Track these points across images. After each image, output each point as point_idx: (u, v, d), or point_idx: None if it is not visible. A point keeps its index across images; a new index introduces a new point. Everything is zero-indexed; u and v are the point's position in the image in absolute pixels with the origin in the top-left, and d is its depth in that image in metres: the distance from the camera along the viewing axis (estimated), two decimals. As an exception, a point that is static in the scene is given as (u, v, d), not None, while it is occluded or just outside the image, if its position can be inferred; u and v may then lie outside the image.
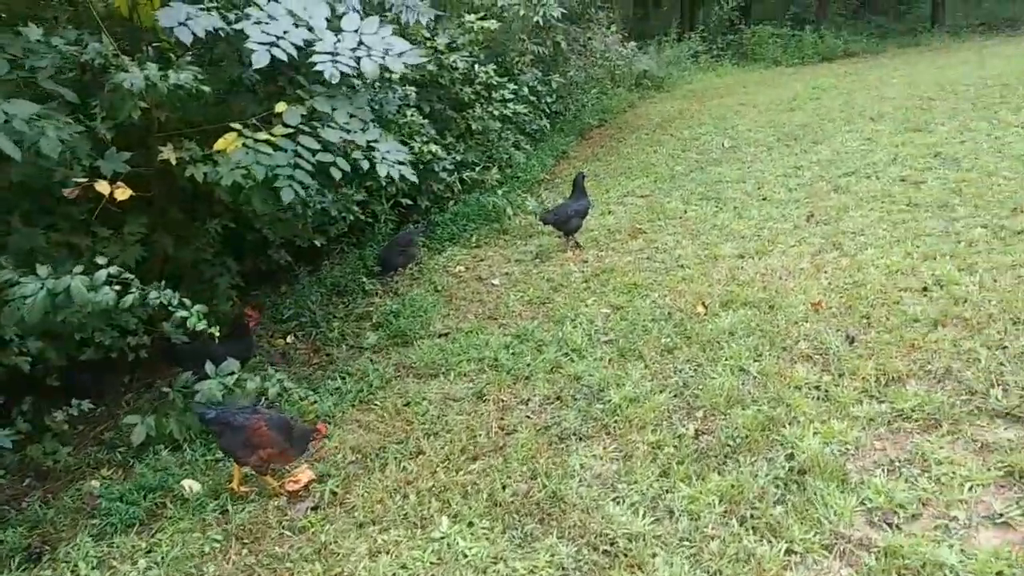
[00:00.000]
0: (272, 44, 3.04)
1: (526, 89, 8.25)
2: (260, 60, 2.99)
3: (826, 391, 3.35)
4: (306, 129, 3.70)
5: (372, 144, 3.83)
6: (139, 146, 3.84)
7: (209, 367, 3.58)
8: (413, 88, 6.15)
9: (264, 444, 3.01)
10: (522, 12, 7.07)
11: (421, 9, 4.04)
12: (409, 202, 6.36)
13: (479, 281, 5.43)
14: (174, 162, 3.61)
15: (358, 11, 3.86)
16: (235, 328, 4.05)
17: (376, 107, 5.69)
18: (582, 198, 5.76)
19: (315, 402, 3.66)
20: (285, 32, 3.13)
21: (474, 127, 6.91)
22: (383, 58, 3.27)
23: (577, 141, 10.01)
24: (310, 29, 3.28)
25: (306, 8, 3.47)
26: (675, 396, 3.49)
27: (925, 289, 4.17)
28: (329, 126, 3.79)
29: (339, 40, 3.28)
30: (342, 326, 4.88)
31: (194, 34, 3.05)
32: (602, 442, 3.22)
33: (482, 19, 6.84)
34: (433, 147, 6.17)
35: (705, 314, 4.29)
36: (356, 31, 3.42)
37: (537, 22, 7.18)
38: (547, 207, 6.34)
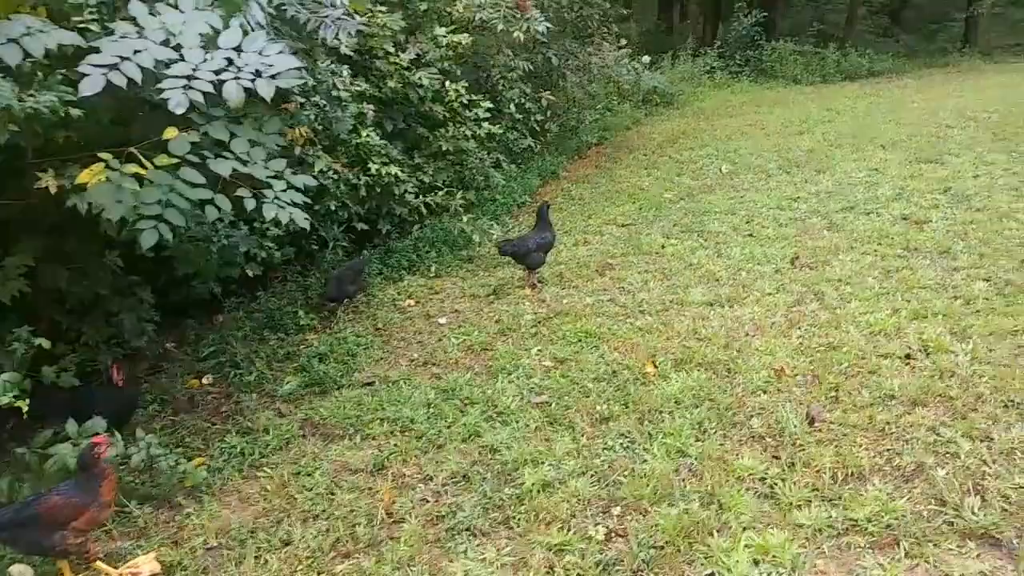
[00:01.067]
0: (112, 67, 2.59)
1: (512, 107, 7.78)
2: (91, 86, 2.54)
3: (771, 486, 2.82)
4: (194, 159, 3.26)
5: (271, 179, 3.38)
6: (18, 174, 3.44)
7: (71, 425, 3.14)
8: (371, 107, 5.72)
9: (69, 515, 2.56)
10: (500, 27, 6.60)
11: (346, 25, 3.59)
12: (365, 227, 5.90)
13: (426, 319, 4.96)
14: (53, 190, 3.19)
15: (263, 26, 3.41)
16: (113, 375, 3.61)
17: (324, 126, 5.28)
18: (546, 230, 5.26)
19: (185, 472, 3.20)
20: (137, 51, 2.68)
21: (444, 147, 6.45)
22: (253, 80, 2.81)
23: (571, 161, 9.52)
24: (176, 47, 2.83)
25: (185, 22, 3.03)
26: (596, 482, 2.98)
27: (908, 357, 3.62)
28: (223, 156, 3.35)
29: (206, 59, 2.83)
30: (264, 368, 4.42)
31: (27, 52, 2.61)
32: (498, 542, 2.71)
33: (454, 32, 6.39)
34: (393, 169, 5.72)
35: (655, 374, 3.77)
36: (238, 48, 2.96)
37: (519, 38, 6.70)
38: (510, 236, 5.86)
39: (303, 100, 4.85)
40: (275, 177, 3.44)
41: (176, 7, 3.18)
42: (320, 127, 5.12)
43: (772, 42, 17.15)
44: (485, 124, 6.63)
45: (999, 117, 8.87)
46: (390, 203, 6.04)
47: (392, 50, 5.93)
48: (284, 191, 3.36)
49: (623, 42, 12.82)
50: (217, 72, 2.80)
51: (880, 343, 3.77)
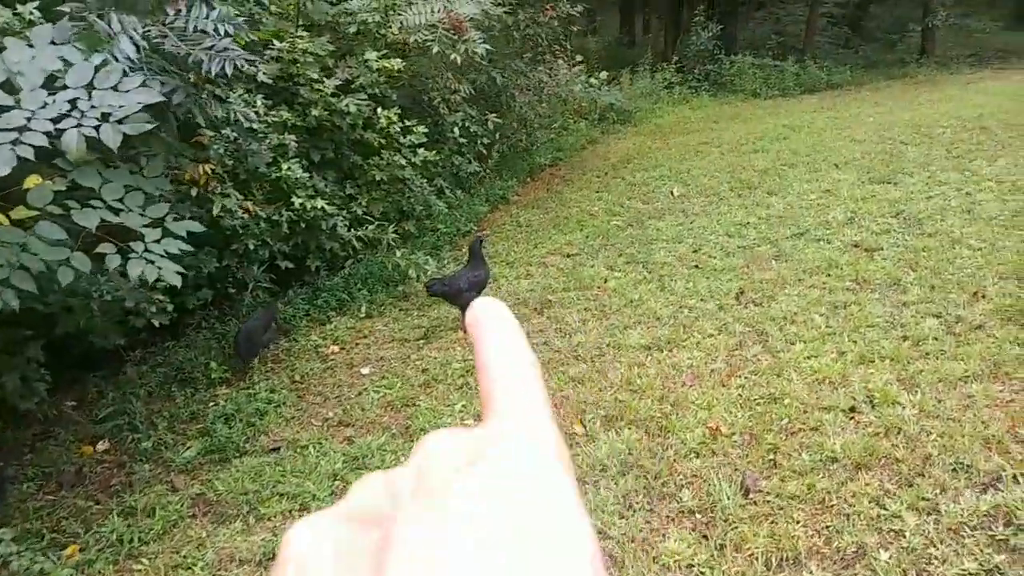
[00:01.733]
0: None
1: (456, 130, 7.47)
2: None
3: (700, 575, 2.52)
4: (56, 211, 2.91)
5: (147, 228, 3.03)
6: None
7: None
8: (292, 137, 5.38)
9: None
10: (436, 49, 6.29)
11: (233, 55, 3.26)
12: (290, 265, 5.54)
13: (348, 368, 4.61)
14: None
15: (134, 62, 3.07)
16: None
17: (238, 160, 4.93)
18: (479, 267, 4.94)
19: (43, 572, 2.82)
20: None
21: (378, 177, 6.11)
22: (97, 128, 2.47)
23: (523, 184, 9.23)
24: (13, 90, 2.49)
25: (33, 58, 2.68)
26: None
27: (853, 409, 3.34)
28: (90, 205, 3.00)
29: (45, 104, 2.49)
30: (165, 430, 4.05)
31: None
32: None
33: (384, 57, 6.07)
34: (319, 203, 5.38)
35: (583, 435, 3.46)
36: (88, 86, 2.62)
37: (455, 60, 6.40)
38: (447, 271, 5.54)
39: (212, 133, 4.51)
40: (152, 225, 3.10)
41: (28, 42, 2.84)
42: (230, 161, 4.78)
43: (731, 56, 17.06)
44: (421, 151, 6.31)
45: (952, 133, 8.73)
46: (319, 238, 5.68)
47: (317, 76, 5.60)
48: (159, 241, 3.01)
49: (578, 59, 12.62)
50: (56, 119, 2.46)
51: (824, 393, 3.50)
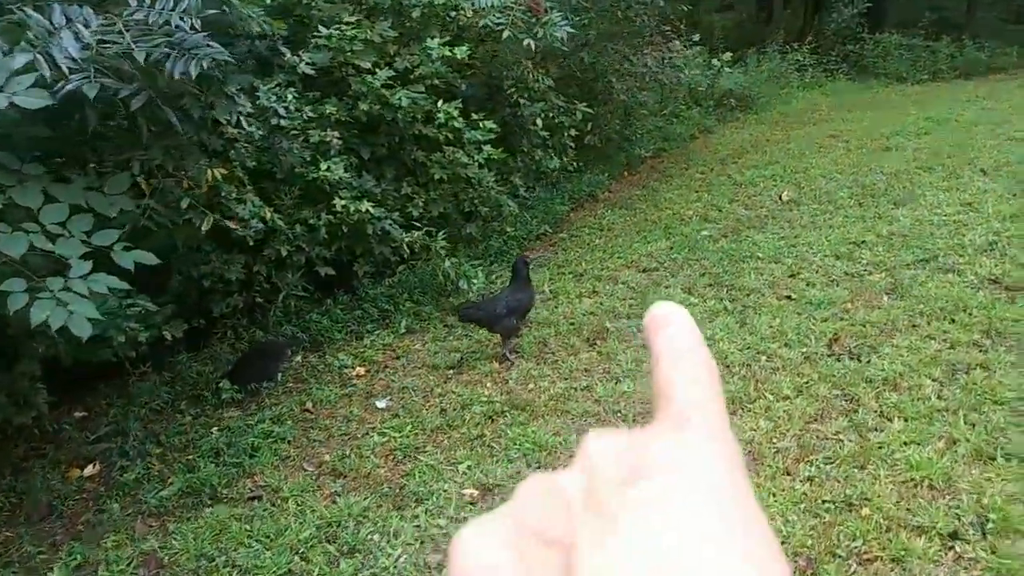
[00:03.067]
0: None
1: (539, 122, 6.80)
2: None
3: None
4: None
5: (81, 259, 2.61)
6: None
7: None
8: (335, 133, 4.91)
9: None
10: (506, 34, 5.64)
11: (204, 53, 2.77)
12: (332, 272, 5.10)
13: (365, 399, 4.11)
14: None
15: (77, 62, 2.63)
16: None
17: (270, 161, 4.52)
18: (521, 290, 4.31)
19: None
20: None
21: (437, 176, 5.57)
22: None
23: (615, 179, 8.43)
24: None
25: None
26: None
27: (955, 535, 2.49)
28: (22, 229, 2.61)
29: None
30: (156, 458, 3.70)
31: None
32: None
33: (450, 43, 5.47)
34: (364, 205, 4.89)
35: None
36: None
37: (530, 45, 5.71)
38: (490, 288, 4.94)
39: (234, 131, 4.10)
40: (88, 256, 2.67)
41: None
42: (253, 163, 4.35)
43: (876, 34, 15.30)
44: (487, 147, 5.70)
45: None
46: (368, 242, 5.21)
47: (368, 66, 5.09)
48: (86, 277, 2.58)
49: (696, 38, 11.59)
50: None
51: (919, 504, 2.65)
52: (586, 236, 6.58)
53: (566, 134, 7.33)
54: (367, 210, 4.88)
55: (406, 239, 5.18)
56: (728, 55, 12.62)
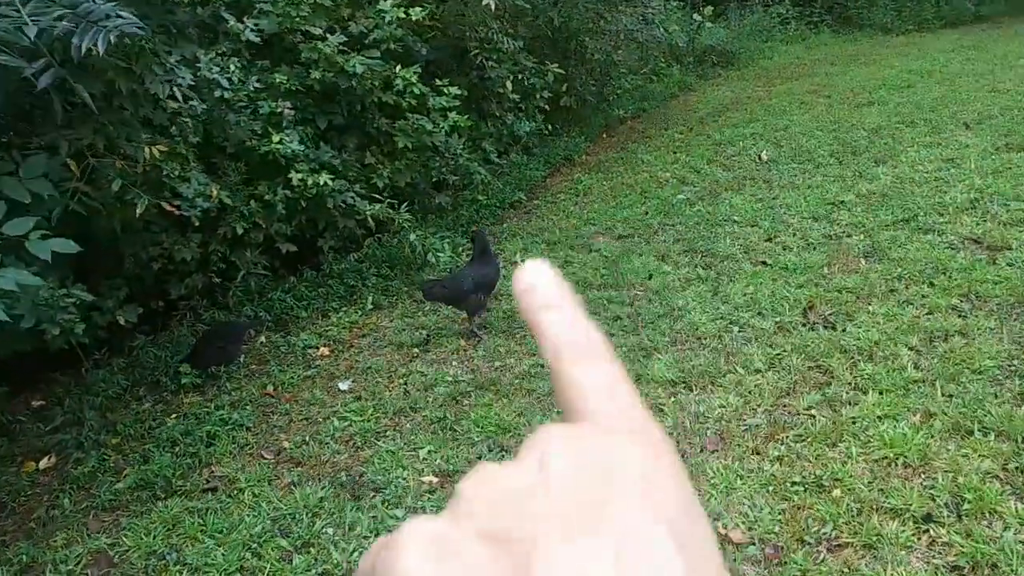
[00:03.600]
0: None
1: (509, 85, 6.57)
2: None
3: None
4: None
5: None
6: None
7: None
8: (287, 103, 4.68)
9: None
10: (466, -8, 5.40)
11: (114, 24, 2.56)
12: (293, 248, 4.92)
13: (328, 380, 3.98)
14: None
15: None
16: None
17: (216, 134, 4.30)
18: (486, 264, 4.16)
19: None
20: None
21: (402, 144, 5.36)
22: None
23: (593, 141, 8.22)
24: None
25: None
26: None
27: (928, 518, 2.39)
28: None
29: None
30: (112, 448, 3.57)
31: None
32: None
33: (405, 6, 5.20)
34: (322, 178, 4.69)
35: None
36: None
37: (489, 5, 5.46)
38: (456, 262, 4.78)
39: (177, 105, 3.88)
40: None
41: None
42: (198, 139, 4.14)
43: (860, -17, 14.97)
44: (452, 115, 5.48)
45: None
46: (331, 215, 5.02)
47: (320, 32, 4.85)
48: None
49: (673, -9, 11.32)
50: None
51: (893, 484, 2.54)
52: (561, 202, 6.41)
53: (538, 96, 7.11)
54: (326, 183, 4.69)
55: (370, 211, 5.00)
56: (709, 10, 12.34)
